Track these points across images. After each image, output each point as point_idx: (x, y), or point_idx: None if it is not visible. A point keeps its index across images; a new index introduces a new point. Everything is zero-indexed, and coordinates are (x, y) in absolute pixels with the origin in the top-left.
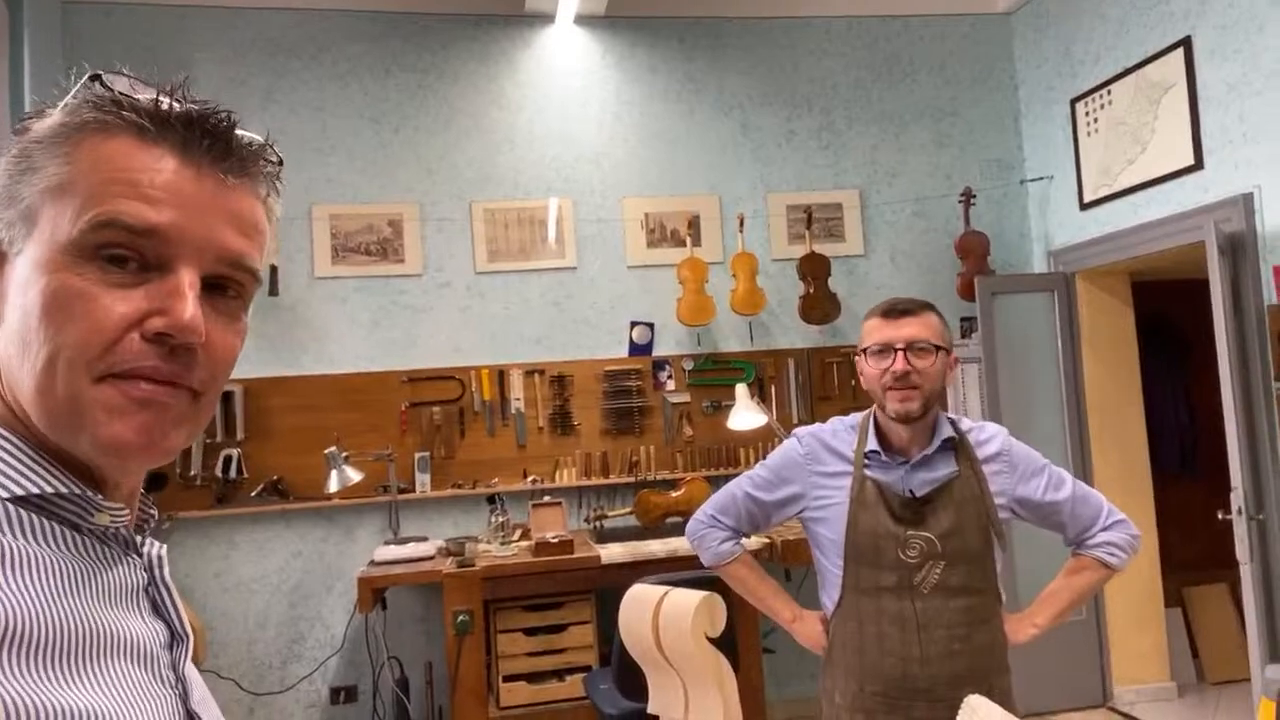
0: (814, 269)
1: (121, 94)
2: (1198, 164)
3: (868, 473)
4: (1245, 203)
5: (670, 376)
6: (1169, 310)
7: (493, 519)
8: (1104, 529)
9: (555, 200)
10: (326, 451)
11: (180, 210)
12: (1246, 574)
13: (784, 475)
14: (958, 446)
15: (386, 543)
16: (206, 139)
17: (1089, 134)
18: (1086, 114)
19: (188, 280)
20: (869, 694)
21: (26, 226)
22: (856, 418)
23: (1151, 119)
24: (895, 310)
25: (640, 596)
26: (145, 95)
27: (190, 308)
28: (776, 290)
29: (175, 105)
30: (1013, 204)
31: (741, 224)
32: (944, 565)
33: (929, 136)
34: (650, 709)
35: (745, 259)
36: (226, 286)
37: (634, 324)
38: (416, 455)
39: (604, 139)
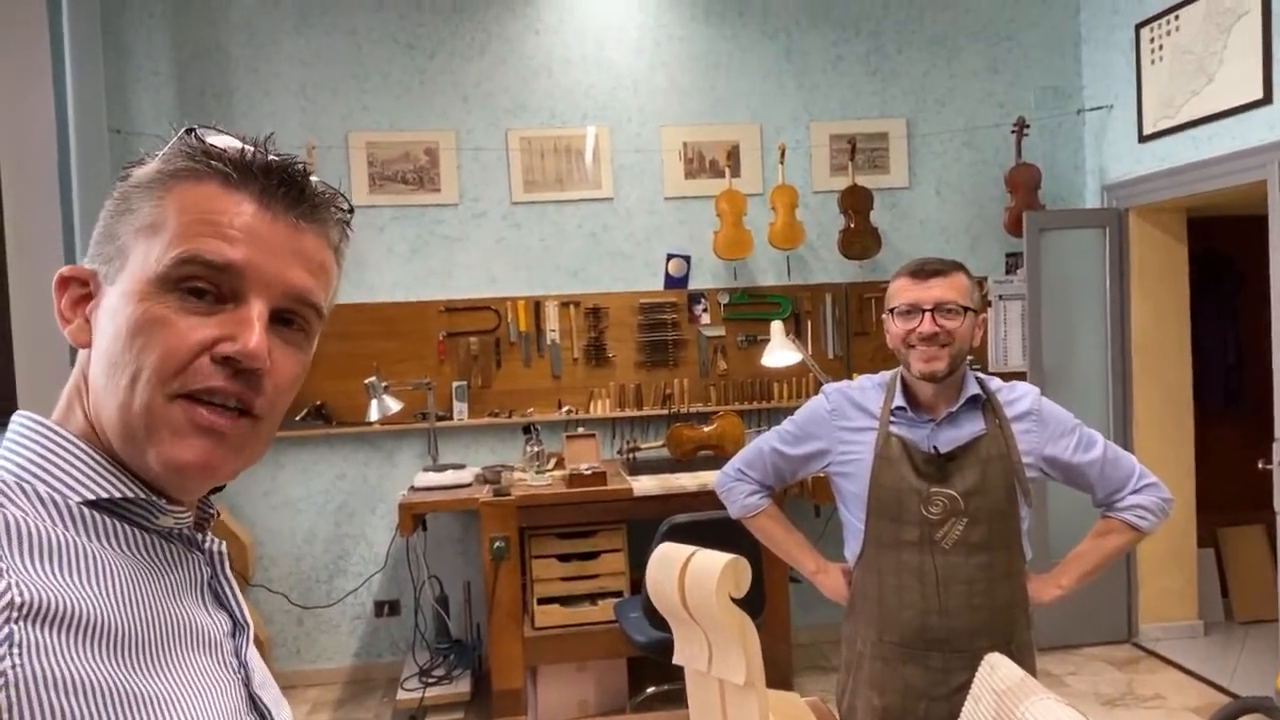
0: (855, 202)
1: (211, 145)
2: (1266, 99)
3: (893, 429)
4: None
5: (705, 310)
6: (1224, 245)
7: (528, 448)
8: (1134, 491)
9: (592, 129)
10: (367, 381)
11: (255, 249)
12: None
13: (809, 431)
14: (986, 405)
15: (426, 469)
16: (283, 186)
17: (1153, 62)
18: (1152, 40)
19: (257, 311)
20: (887, 643)
21: (120, 261)
22: (886, 376)
23: (1220, 48)
24: (924, 271)
25: (667, 557)
26: (232, 144)
27: (256, 336)
28: (816, 223)
29: (258, 155)
30: (1067, 135)
31: (782, 155)
32: (966, 522)
33: (983, 62)
34: (675, 660)
35: (785, 191)
36: (293, 320)
37: (670, 256)
38: (454, 384)
39: (643, 65)
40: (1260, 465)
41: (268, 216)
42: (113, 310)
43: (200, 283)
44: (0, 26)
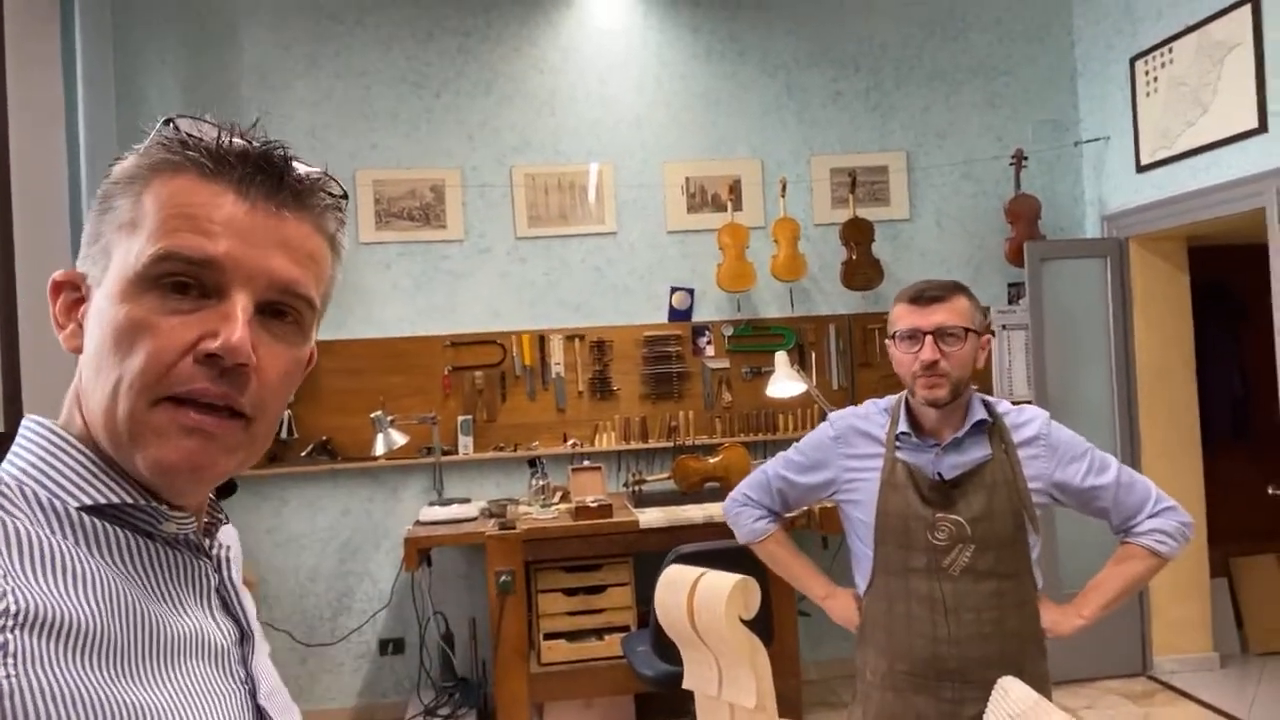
0: (857, 234)
1: (188, 134)
2: (1261, 127)
3: (898, 455)
4: None
5: (710, 342)
6: (1226, 275)
7: (533, 482)
8: (1151, 516)
9: (595, 165)
10: (373, 415)
11: (235, 241)
12: None
13: (815, 459)
14: (992, 430)
15: (431, 504)
16: (260, 174)
17: (1148, 94)
18: (1146, 73)
19: (240, 305)
20: (899, 672)
21: (105, 261)
22: (890, 400)
23: (1214, 80)
24: (923, 297)
25: (675, 579)
26: (210, 132)
27: (239, 330)
28: (818, 256)
29: (235, 143)
30: (1066, 166)
31: (784, 188)
32: (973, 548)
33: (981, 96)
34: (685, 684)
35: (787, 224)
36: (285, 313)
37: (674, 290)
38: (459, 418)
39: (645, 102)
40: (1270, 490)
41: (246, 206)
42: (99, 314)
43: (180, 278)
44: (17, 66)
